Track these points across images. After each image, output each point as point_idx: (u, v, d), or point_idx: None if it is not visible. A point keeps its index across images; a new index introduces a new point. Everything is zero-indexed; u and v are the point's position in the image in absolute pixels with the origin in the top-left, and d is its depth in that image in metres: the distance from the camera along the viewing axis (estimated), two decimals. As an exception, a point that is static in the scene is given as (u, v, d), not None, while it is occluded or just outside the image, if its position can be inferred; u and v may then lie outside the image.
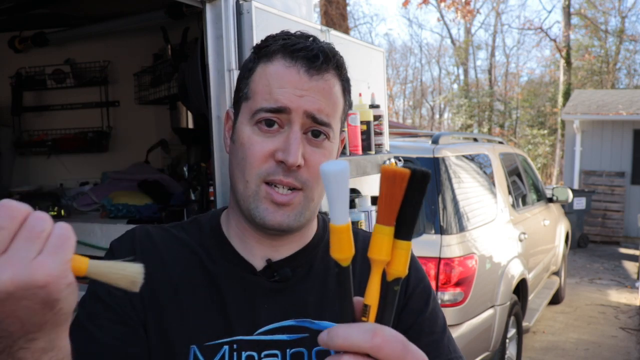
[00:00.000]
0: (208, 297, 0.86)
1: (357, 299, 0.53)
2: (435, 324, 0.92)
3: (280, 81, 0.83)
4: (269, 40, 0.89)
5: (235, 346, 0.83)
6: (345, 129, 2.07)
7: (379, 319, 0.51)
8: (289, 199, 0.83)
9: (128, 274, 0.55)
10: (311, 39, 0.87)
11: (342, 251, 0.50)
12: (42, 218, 0.51)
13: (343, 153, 2.05)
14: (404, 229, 0.49)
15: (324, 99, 0.84)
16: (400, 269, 0.50)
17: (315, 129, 0.85)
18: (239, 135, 0.87)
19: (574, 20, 20.53)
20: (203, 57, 1.78)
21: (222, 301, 0.86)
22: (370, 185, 2.27)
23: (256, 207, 0.84)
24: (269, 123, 0.84)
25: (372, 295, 0.51)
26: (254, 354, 0.83)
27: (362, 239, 0.99)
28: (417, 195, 0.48)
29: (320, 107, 0.84)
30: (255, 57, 0.89)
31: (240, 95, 0.90)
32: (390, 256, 0.50)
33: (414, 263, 0.96)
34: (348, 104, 0.93)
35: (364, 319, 0.51)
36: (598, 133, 11.17)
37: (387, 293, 0.51)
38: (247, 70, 0.90)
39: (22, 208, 0.51)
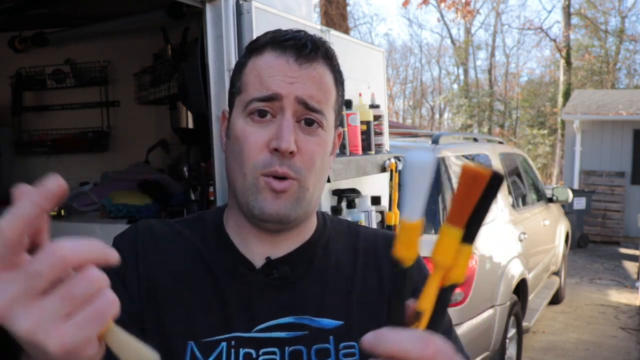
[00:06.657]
0: (207, 294, 0.87)
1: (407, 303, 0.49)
2: None
3: (270, 70, 0.84)
4: (260, 36, 0.91)
5: (233, 342, 0.83)
6: (345, 128, 2.08)
7: (430, 327, 0.48)
8: (285, 186, 0.84)
9: (140, 358, 0.53)
10: (301, 32, 0.89)
11: (411, 250, 0.48)
12: (89, 280, 0.43)
13: (343, 153, 2.04)
14: (472, 233, 0.47)
15: (315, 86, 0.85)
16: (460, 274, 0.48)
17: (308, 117, 0.85)
18: (233, 129, 0.88)
19: (574, 20, 20.53)
20: (203, 57, 1.78)
21: (221, 297, 0.86)
22: (370, 185, 2.26)
23: (255, 199, 0.85)
24: (262, 113, 0.84)
25: (429, 300, 0.48)
26: (252, 351, 0.83)
27: (363, 236, 0.98)
28: (491, 198, 0.46)
29: (312, 94, 0.84)
30: (246, 52, 0.91)
31: (234, 90, 0.91)
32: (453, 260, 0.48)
33: (418, 260, 0.96)
34: (341, 95, 0.93)
35: (414, 325, 0.47)
36: (598, 133, 11.17)
37: (442, 299, 0.48)
38: (239, 65, 0.91)
39: (71, 257, 0.42)
